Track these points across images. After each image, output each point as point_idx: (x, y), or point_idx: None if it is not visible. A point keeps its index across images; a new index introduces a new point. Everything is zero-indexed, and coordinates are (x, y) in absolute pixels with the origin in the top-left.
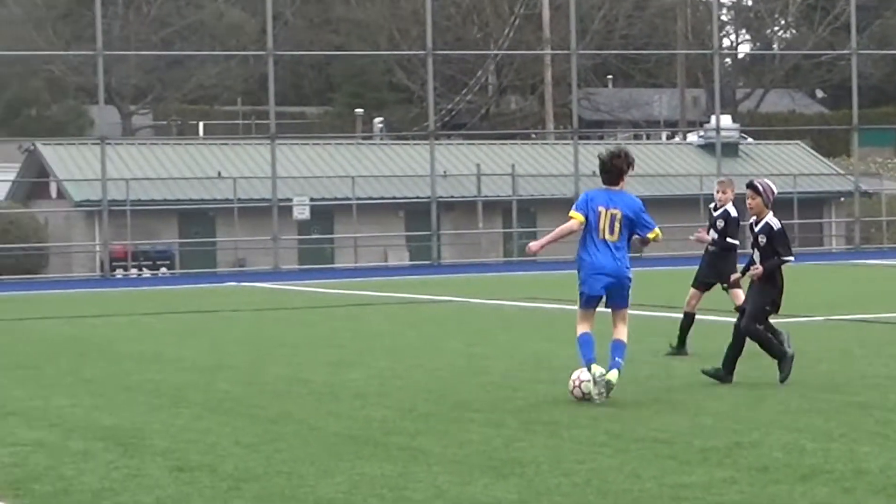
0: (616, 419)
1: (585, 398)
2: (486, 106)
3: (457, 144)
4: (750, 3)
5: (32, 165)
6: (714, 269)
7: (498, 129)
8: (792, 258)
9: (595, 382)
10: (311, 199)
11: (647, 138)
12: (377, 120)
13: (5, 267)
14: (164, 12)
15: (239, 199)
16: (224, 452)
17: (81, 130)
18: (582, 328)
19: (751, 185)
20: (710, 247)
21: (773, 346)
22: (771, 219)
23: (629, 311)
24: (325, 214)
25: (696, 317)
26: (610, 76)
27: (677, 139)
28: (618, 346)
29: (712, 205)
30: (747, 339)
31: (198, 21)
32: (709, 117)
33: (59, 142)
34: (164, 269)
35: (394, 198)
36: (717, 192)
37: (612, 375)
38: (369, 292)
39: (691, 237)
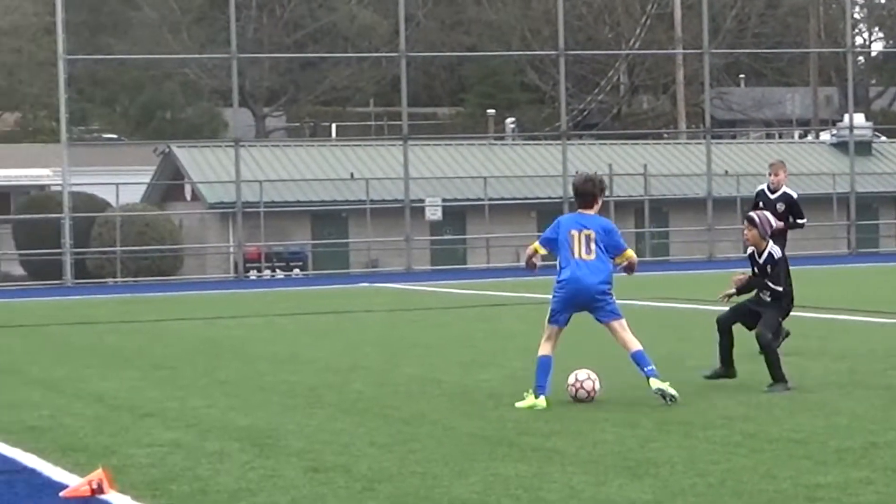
0: (750, 419)
1: (578, 400)
2: (618, 106)
3: (588, 144)
4: (883, 0)
5: (167, 168)
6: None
7: (629, 128)
8: (780, 288)
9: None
10: (444, 200)
11: (780, 137)
12: (509, 120)
13: (141, 269)
14: (297, 15)
15: (371, 200)
16: (358, 453)
17: (216, 133)
18: (544, 349)
19: (748, 218)
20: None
21: (779, 368)
22: (772, 248)
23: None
24: (457, 215)
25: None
26: (742, 75)
27: (810, 138)
28: (638, 357)
29: (763, 186)
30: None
31: (330, 23)
32: (841, 116)
33: (193, 144)
34: (297, 271)
35: (526, 198)
36: (771, 174)
37: (655, 384)
38: (502, 293)
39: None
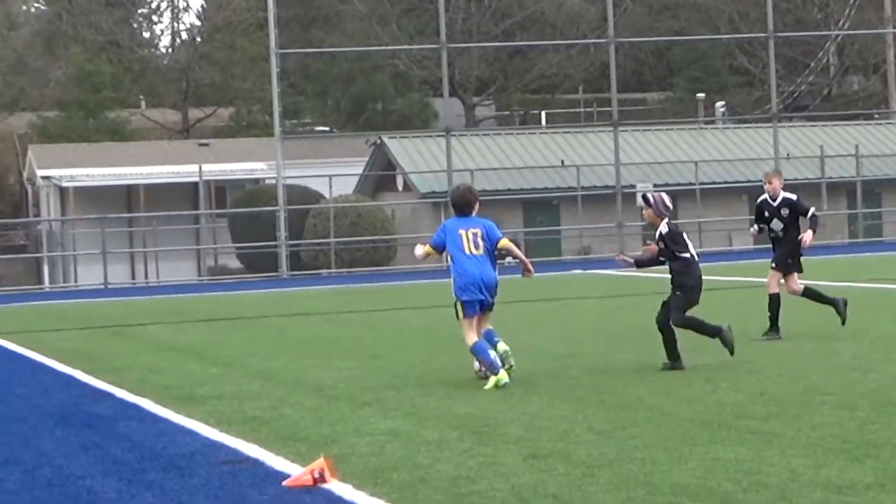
0: None
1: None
2: (828, 87)
3: (799, 126)
4: None
5: (379, 159)
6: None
7: (840, 109)
8: (687, 254)
9: (502, 367)
10: (654, 185)
11: None
12: (719, 104)
13: (355, 259)
14: (505, 4)
15: (582, 187)
16: (577, 439)
17: (426, 123)
18: (471, 338)
19: (644, 198)
20: (780, 234)
21: (707, 326)
22: (662, 225)
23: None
24: None
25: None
26: None
27: None
28: (489, 333)
29: (764, 196)
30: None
31: (538, 11)
32: None
33: (404, 135)
34: (509, 259)
35: (737, 181)
36: (765, 183)
37: (501, 347)
38: (715, 277)
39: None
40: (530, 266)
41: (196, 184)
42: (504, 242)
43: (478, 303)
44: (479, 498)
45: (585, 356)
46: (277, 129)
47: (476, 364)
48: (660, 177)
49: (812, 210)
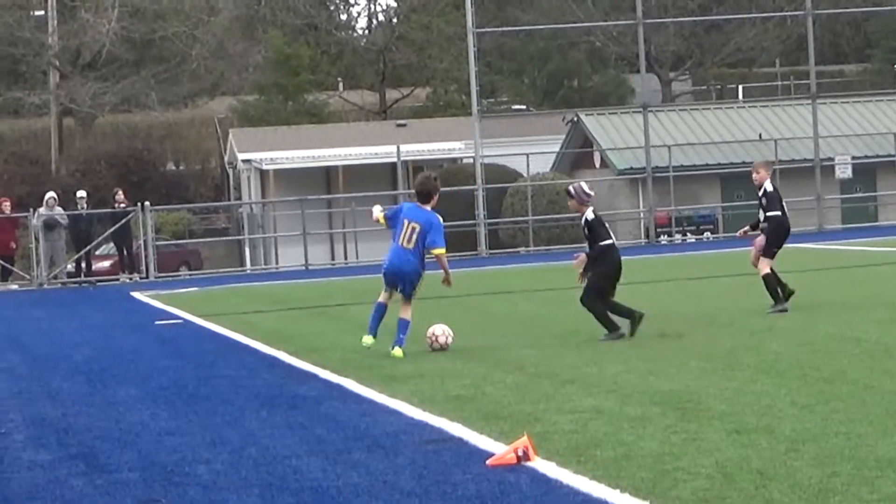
0: None
1: (434, 350)
2: None
3: None
4: None
5: (576, 136)
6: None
7: None
8: (609, 241)
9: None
10: (853, 158)
11: None
12: None
13: (552, 237)
14: None
15: (780, 161)
16: (780, 414)
17: (623, 99)
18: (383, 297)
19: (567, 191)
20: (762, 223)
21: (607, 318)
22: (588, 213)
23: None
24: (867, 172)
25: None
26: None
27: None
28: (403, 325)
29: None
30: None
31: None
32: None
33: (601, 111)
34: (707, 234)
35: None
36: (753, 173)
37: (397, 352)
38: None
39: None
40: (451, 280)
41: (394, 164)
42: (438, 252)
43: (391, 285)
44: (684, 474)
45: (786, 330)
46: (475, 108)
47: (430, 332)
48: (858, 149)
49: (776, 213)
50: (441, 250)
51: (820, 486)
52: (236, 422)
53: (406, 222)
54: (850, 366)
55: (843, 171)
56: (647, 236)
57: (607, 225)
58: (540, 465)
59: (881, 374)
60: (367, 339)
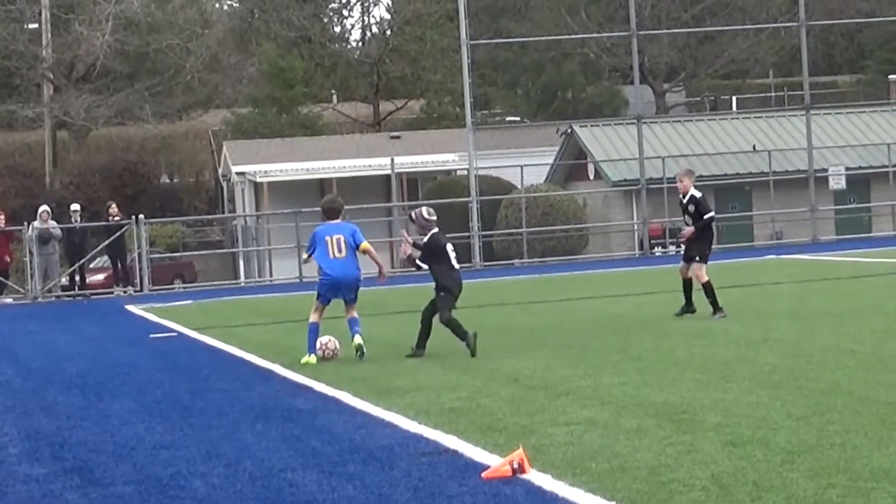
0: None
1: (325, 359)
2: None
3: None
4: None
5: (570, 148)
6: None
7: None
8: (448, 263)
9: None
10: (847, 169)
11: None
12: None
13: (547, 249)
14: None
15: (774, 172)
16: (776, 426)
17: (616, 111)
18: (314, 318)
19: (409, 217)
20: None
21: (460, 329)
22: (428, 236)
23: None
24: (861, 183)
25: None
26: None
27: None
28: (354, 321)
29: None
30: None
31: None
32: None
33: (595, 123)
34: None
35: None
36: (677, 182)
37: (358, 339)
38: None
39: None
40: (384, 273)
41: (388, 176)
42: (365, 246)
43: (329, 299)
44: (680, 486)
45: (781, 341)
46: (469, 119)
47: (325, 339)
48: (852, 160)
49: (710, 215)
50: (367, 244)
51: (815, 498)
52: (231, 435)
53: (328, 239)
54: (845, 377)
55: (837, 182)
56: (642, 248)
57: (449, 247)
58: (535, 477)
59: (876, 386)
60: (311, 359)
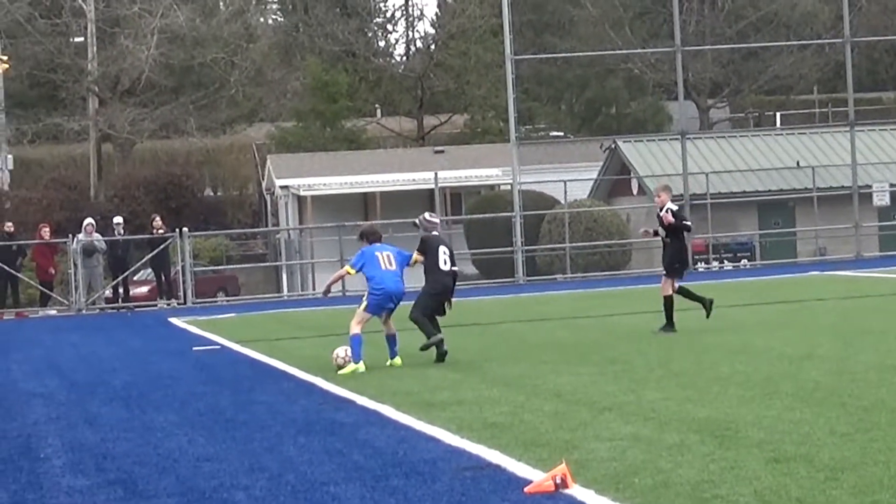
0: None
1: (339, 367)
2: None
3: None
4: None
5: (614, 163)
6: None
7: None
8: (437, 266)
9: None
10: (891, 185)
11: None
12: None
13: (590, 264)
14: (738, 5)
15: (818, 188)
16: (819, 442)
17: (660, 126)
18: (357, 329)
19: (413, 224)
20: (665, 240)
21: (428, 328)
22: (425, 237)
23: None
24: None
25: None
26: None
27: None
28: (393, 341)
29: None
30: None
31: (772, 12)
32: None
33: (638, 138)
34: (744, 261)
35: None
36: (655, 197)
37: (397, 360)
38: None
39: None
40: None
41: (431, 190)
42: (414, 259)
43: (386, 308)
44: (723, 502)
45: (824, 358)
46: (513, 134)
47: (341, 351)
48: None
49: (685, 223)
50: (415, 257)
51: None
52: (274, 448)
53: (379, 254)
54: (889, 394)
55: (882, 199)
56: None
57: (442, 249)
58: (578, 492)
59: None
60: (360, 366)
